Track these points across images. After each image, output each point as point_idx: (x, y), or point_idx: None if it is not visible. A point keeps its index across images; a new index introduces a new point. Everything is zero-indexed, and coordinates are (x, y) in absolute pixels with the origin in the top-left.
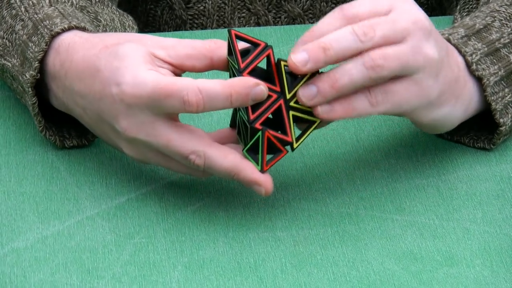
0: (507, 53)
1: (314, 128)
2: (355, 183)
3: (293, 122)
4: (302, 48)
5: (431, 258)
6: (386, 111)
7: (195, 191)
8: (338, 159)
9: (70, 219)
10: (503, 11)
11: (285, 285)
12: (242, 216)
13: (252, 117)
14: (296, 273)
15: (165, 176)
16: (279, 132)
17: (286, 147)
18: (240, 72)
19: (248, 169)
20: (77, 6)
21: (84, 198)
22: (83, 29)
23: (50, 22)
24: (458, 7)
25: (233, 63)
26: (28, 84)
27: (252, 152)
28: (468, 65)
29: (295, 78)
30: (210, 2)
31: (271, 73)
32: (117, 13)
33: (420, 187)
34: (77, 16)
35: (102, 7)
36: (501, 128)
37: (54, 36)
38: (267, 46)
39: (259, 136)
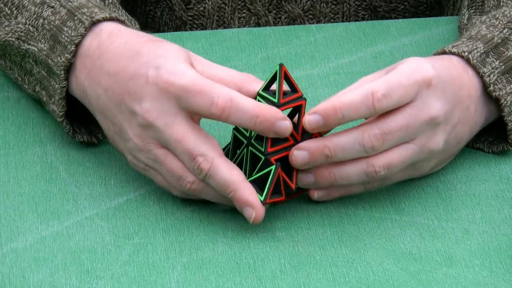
0: None
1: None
2: None
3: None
4: (306, 146)
5: (430, 259)
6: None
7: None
8: None
9: (69, 219)
10: None
11: (284, 286)
12: (241, 216)
13: (270, 150)
14: (295, 274)
15: None
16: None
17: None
18: (277, 106)
19: (248, 190)
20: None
21: (83, 198)
22: (123, 22)
23: (89, 10)
24: (466, 3)
25: (267, 96)
26: (61, 67)
27: (255, 184)
28: (486, 86)
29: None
30: (210, 2)
31: (298, 122)
32: (126, 17)
33: (419, 187)
34: (112, 10)
35: (114, 9)
36: None
37: (94, 23)
38: (302, 97)
39: (270, 170)
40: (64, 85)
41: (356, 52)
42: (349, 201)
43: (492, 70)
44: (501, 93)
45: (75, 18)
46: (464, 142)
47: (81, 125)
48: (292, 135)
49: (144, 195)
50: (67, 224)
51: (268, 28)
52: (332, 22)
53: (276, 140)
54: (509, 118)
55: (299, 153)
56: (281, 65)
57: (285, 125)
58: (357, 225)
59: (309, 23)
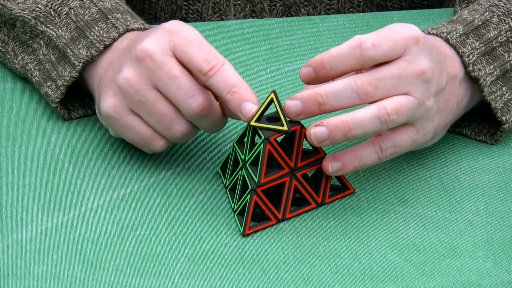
0: (502, 52)
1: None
2: (358, 175)
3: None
4: (298, 96)
5: (434, 250)
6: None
7: (197, 183)
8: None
9: (73, 211)
10: (502, 6)
11: (287, 277)
12: None
13: (263, 180)
14: (299, 265)
15: (168, 168)
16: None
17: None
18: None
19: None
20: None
21: (87, 190)
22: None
23: (122, 17)
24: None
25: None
26: (82, 60)
27: (240, 215)
28: (465, 66)
29: (307, 153)
30: None
31: (293, 148)
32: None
33: (423, 179)
34: (137, 18)
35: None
36: (504, 126)
37: (128, 30)
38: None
39: (247, 199)
40: (76, 76)
41: None
42: (353, 192)
43: (472, 51)
44: (480, 73)
45: (108, 21)
46: (454, 114)
47: (73, 99)
48: (286, 162)
49: (148, 187)
50: (70, 216)
51: (272, 20)
52: (327, 9)
53: (269, 170)
54: (490, 97)
55: (292, 103)
56: (274, 92)
57: (248, 107)
58: (360, 216)
59: (305, 10)
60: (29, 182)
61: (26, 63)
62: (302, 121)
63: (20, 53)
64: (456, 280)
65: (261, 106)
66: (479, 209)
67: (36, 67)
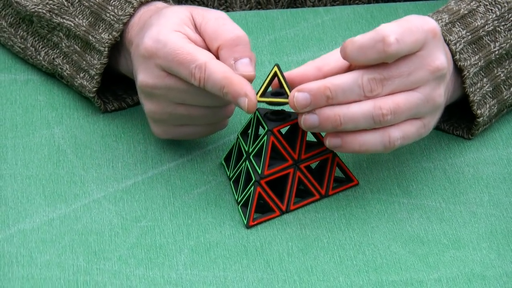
0: (488, 42)
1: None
2: (362, 166)
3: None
4: (307, 88)
5: (438, 241)
6: None
7: (201, 174)
8: None
9: (77, 202)
10: None
11: (291, 268)
12: None
13: (266, 172)
14: (303, 256)
15: (172, 159)
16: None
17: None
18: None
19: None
20: None
21: (91, 181)
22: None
23: None
24: None
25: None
26: (106, 44)
27: (244, 207)
28: (452, 54)
29: (311, 145)
30: None
31: (296, 140)
32: None
33: (427, 170)
34: None
35: None
36: (478, 120)
37: (143, 3)
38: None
39: (251, 190)
40: (105, 62)
41: None
42: (357, 185)
43: (459, 39)
44: (465, 63)
45: None
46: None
47: (107, 93)
48: (290, 154)
49: (152, 178)
50: (74, 207)
51: (276, 11)
52: (333, 0)
53: (273, 162)
54: (470, 89)
55: (300, 95)
56: (277, 65)
57: (242, 103)
58: (364, 208)
59: (310, 1)
60: (33, 174)
61: (53, 58)
62: None
63: (42, 48)
64: (460, 271)
65: (264, 81)
66: (483, 201)
67: (64, 61)
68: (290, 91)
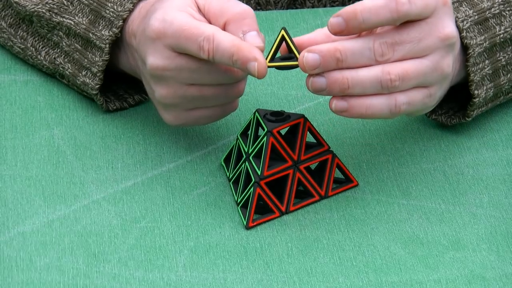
0: (494, 24)
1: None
2: (361, 168)
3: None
4: (317, 49)
5: (437, 243)
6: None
7: (201, 175)
8: (344, 143)
9: (76, 203)
10: None
11: (291, 270)
12: None
13: (266, 173)
14: (302, 258)
15: (171, 160)
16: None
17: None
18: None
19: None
20: None
21: (90, 182)
22: None
23: None
24: None
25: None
26: (107, 41)
27: (244, 208)
28: (459, 31)
29: (311, 146)
30: None
31: (296, 141)
32: None
33: (427, 171)
34: None
35: None
36: (474, 100)
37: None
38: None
39: (250, 191)
40: (107, 58)
41: None
42: (356, 185)
43: (466, 18)
44: (471, 42)
45: None
46: (449, 84)
47: (109, 93)
48: (289, 155)
49: (151, 179)
50: (74, 208)
51: (275, 12)
52: (332, 1)
53: (273, 163)
54: (472, 69)
55: (310, 55)
56: (284, 28)
57: (252, 68)
58: (364, 209)
59: (310, 2)
60: (32, 175)
61: (54, 57)
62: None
63: (42, 47)
64: (460, 272)
65: (272, 46)
66: (482, 202)
67: (66, 60)
68: (299, 54)
